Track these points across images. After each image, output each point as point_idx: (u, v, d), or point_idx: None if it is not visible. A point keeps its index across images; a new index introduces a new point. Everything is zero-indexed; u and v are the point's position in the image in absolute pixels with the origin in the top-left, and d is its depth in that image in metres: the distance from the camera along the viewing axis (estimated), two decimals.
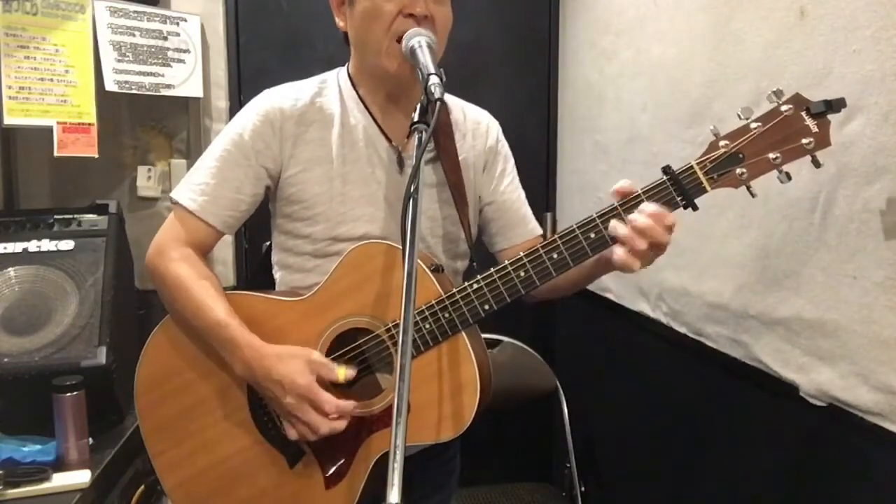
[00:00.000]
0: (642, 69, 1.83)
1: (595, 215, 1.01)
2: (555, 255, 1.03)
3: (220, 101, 2.26)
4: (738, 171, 0.97)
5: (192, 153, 2.21)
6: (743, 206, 1.37)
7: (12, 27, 1.78)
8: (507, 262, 1.04)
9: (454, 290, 1.06)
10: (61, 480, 1.34)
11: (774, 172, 0.97)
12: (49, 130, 1.82)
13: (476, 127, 1.29)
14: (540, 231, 1.32)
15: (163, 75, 2.06)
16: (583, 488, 2.24)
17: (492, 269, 1.05)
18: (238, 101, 2.28)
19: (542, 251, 1.03)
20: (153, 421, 1.19)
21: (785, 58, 1.25)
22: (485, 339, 1.14)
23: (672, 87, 1.67)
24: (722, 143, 0.97)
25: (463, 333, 1.06)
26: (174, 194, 1.17)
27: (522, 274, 1.04)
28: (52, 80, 1.83)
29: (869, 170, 1.07)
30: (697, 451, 1.64)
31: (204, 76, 2.15)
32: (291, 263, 1.22)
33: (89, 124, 1.87)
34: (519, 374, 1.96)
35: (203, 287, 1.12)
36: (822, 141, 0.94)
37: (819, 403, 1.21)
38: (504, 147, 1.33)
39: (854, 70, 1.09)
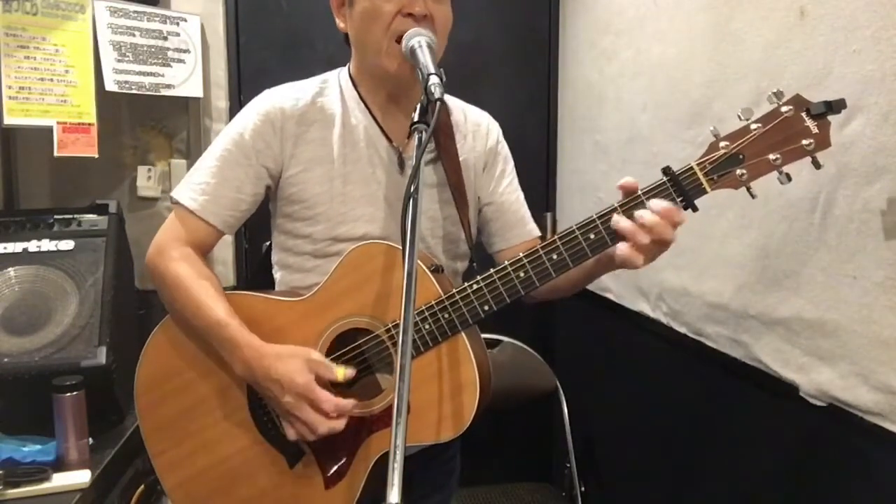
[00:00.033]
0: (642, 69, 1.83)
1: (595, 216, 1.01)
2: (554, 256, 1.03)
3: (220, 101, 2.26)
4: (738, 172, 0.97)
5: (192, 153, 2.21)
6: (743, 206, 1.37)
7: (12, 27, 1.78)
8: (506, 262, 1.04)
9: (454, 290, 1.06)
10: (61, 480, 1.34)
11: (774, 174, 0.97)
12: (49, 130, 1.82)
13: (476, 128, 1.29)
14: (538, 233, 1.32)
15: (163, 75, 2.06)
16: (583, 488, 2.24)
17: (491, 270, 1.05)
18: (238, 101, 2.28)
19: (541, 252, 1.03)
20: (153, 421, 1.19)
21: (785, 58, 1.25)
22: (485, 339, 1.14)
23: (672, 87, 1.67)
24: (722, 143, 0.97)
25: (462, 334, 1.06)
26: (174, 194, 1.17)
27: (522, 275, 1.04)
28: (52, 80, 1.83)
29: (869, 170, 1.07)
30: (697, 451, 1.64)
31: (204, 76, 2.15)
32: (291, 263, 1.22)
33: (89, 124, 1.87)
34: (519, 374, 1.96)
35: (203, 287, 1.12)
36: (823, 142, 0.94)
37: (819, 403, 1.21)
38: (504, 148, 1.33)
39: (854, 70, 1.09)
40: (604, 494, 2.21)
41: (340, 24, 1.20)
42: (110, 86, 1.94)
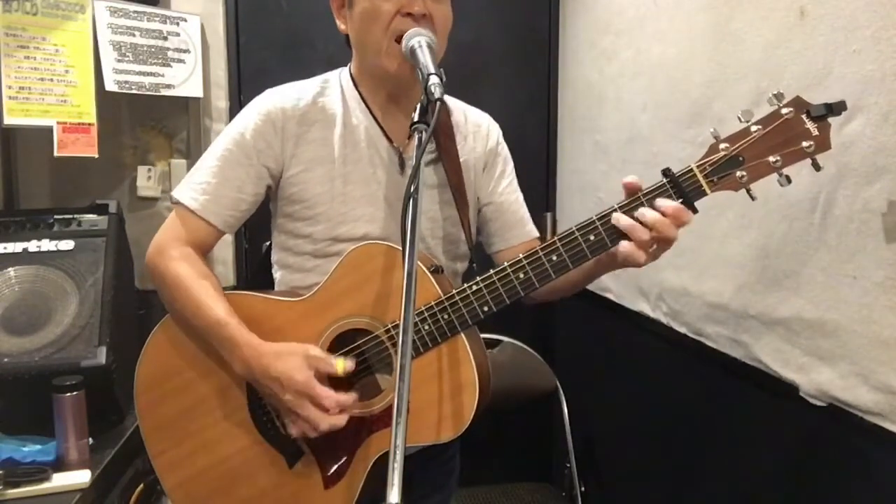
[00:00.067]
0: (642, 69, 1.83)
1: (595, 217, 1.01)
2: (554, 258, 1.03)
3: (220, 101, 2.26)
4: (738, 174, 0.97)
5: (192, 153, 2.21)
6: (743, 206, 1.37)
7: (12, 27, 1.78)
8: (506, 263, 1.04)
9: (453, 291, 1.06)
10: (61, 480, 1.34)
11: (774, 176, 0.97)
12: (49, 130, 1.82)
13: (477, 129, 1.30)
14: (537, 234, 1.32)
15: (163, 75, 2.06)
16: (583, 488, 2.24)
17: (491, 271, 1.05)
18: (238, 101, 2.28)
19: (541, 253, 1.03)
20: (153, 420, 1.19)
21: (785, 58, 1.25)
22: (485, 339, 1.14)
23: (672, 87, 1.67)
24: (722, 145, 0.97)
25: (462, 334, 1.06)
26: (175, 193, 1.18)
27: (522, 276, 1.04)
28: (52, 80, 1.83)
29: (869, 170, 1.07)
30: (697, 451, 1.64)
31: (204, 76, 2.15)
32: (291, 263, 1.22)
33: (89, 124, 1.87)
34: (519, 374, 1.96)
35: (203, 286, 1.12)
36: (823, 144, 0.94)
37: (819, 403, 1.21)
38: (504, 149, 1.33)
39: (854, 70, 1.09)
40: (604, 494, 2.21)
41: (341, 25, 1.20)
42: (110, 86, 1.94)
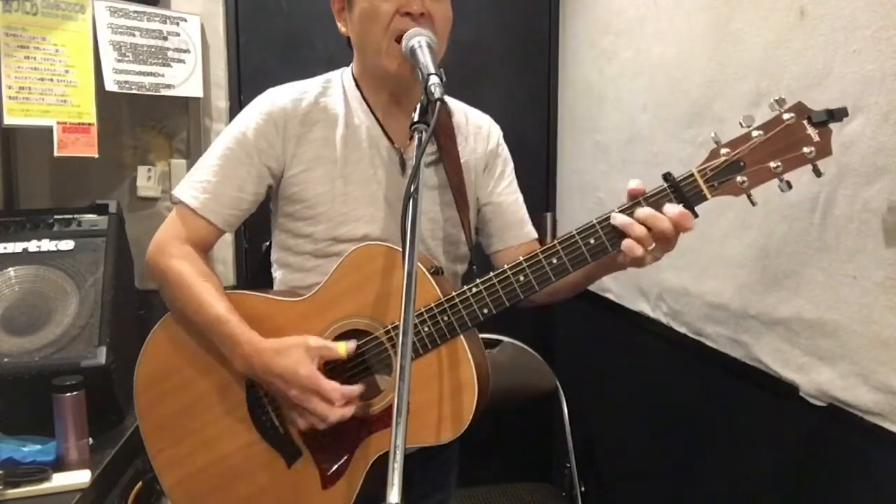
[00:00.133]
0: (642, 69, 1.83)
1: (595, 221, 1.01)
2: (554, 261, 1.03)
3: (220, 101, 2.26)
4: (739, 179, 0.96)
5: (192, 153, 2.21)
6: (743, 206, 1.36)
7: (12, 27, 1.78)
8: (506, 266, 1.04)
9: (453, 293, 1.06)
10: (61, 480, 1.33)
11: (775, 181, 0.96)
12: (49, 130, 1.82)
13: (478, 131, 1.30)
14: (535, 235, 1.32)
15: (163, 75, 2.06)
16: (583, 488, 2.24)
17: (491, 274, 1.05)
18: (238, 101, 2.28)
19: (541, 256, 1.03)
20: (153, 419, 1.19)
21: (785, 58, 1.25)
22: (485, 339, 1.14)
23: (672, 87, 1.67)
24: (723, 150, 0.97)
25: (461, 336, 1.06)
26: (176, 191, 1.18)
27: (522, 279, 1.04)
28: (52, 80, 1.83)
29: (869, 170, 1.07)
30: (697, 451, 1.64)
31: (204, 76, 2.15)
32: (291, 262, 1.22)
33: (89, 124, 1.87)
34: (519, 374, 1.96)
35: (203, 284, 1.12)
36: (824, 150, 0.94)
37: (819, 403, 1.21)
38: (504, 151, 1.33)
39: (854, 70, 1.09)
40: (604, 494, 2.21)
41: (342, 27, 1.20)
42: (110, 86, 1.94)
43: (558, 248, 1.02)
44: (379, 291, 1.09)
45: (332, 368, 1.09)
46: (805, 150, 0.94)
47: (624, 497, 2.08)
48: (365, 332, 1.10)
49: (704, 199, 0.98)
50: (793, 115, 0.94)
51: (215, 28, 2.22)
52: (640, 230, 0.97)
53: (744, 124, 0.96)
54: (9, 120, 1.78)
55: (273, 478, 1.14)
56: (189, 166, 1.89)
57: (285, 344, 1.06)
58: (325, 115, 1.19)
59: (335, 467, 1.11)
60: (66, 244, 1.67)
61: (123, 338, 1.64)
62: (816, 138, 0.93)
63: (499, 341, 1.83)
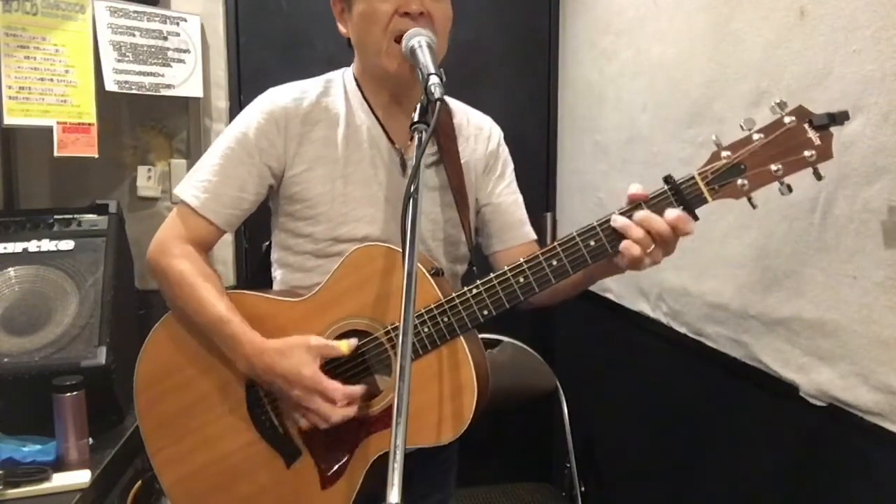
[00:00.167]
0: (642, 69, 1.83)
1: (595, 223, 1.01)
2: (554, 262, 1.03)
3: (220, 101, 2.26)
4: (740, 182, 0.96)
5: (192, 153, 2.21)
6: (743, 207, 1.36)
7: (12, 27, 1.78)
8: (506, 268, 1.04)
9: (453, 294, 1.06)
10: (61, 480, 1.33)
11: (776, 184, 0.96)
12: (49, 130, 1.82)
13: (479, 132, 1.30)
14: (534, 236, 1.32)
15: (163, 75, 2.06)
16: (583, 488, 2.24)
17: (491, 275, 1.05)
18: (238, 101, 2.28)
19: (541, 258, 1.03)
20: (152, 417, 1.19)
21: (785, 58, 1.25)
22: (485, 338, 1.14)
23: (672, 87, 1.67)
24: (724, 153, 0.97)
25: (461, 337, 1.06)
26: (177, 191, 1.18)
27: (522, 280, 1.04)
28: (52, 80, 1.83)
29: (869, 170, 1.07)
30: (697, 451, 1.64)
31: (204, 76, 2.15)
32: (292, 262, 1.22)
33: (89, 124, 1.87)
34: (519, 374, 1.96)
35: (204, 284, 1.12)
36: (824, 153, 0.94)
37: (819, 403, 1.21)
38: (504, 152, 1.33)
39: (854, 70, 1.09)
40: (604, 494, 2.21)
41: (342, 29, 1.20)
42: (110, 86, 1.94)
43: (558, 249, 1.02)
44: (379, 292, 1.09)
45: (332, 369, 1.09)
46: (806, 153, 0.93)
47: (624, 497, 2.08)
48: (365, 333, 1.10)
49: (705, 201, 0.98)
50: (794, 118, 0.94)
51: (215, 28, 2.22)
52: (638, 232, 0.97)
53: (745, 127, 0.96)
54: (9, 120, 1.78)
55: (272, 477, 1.14)
56: (189, 166, 1.89)
57: (287, 344, 1.06)
58: (327, 114, 1.19)
59: (334, 467, 1.11)
60: (66, 244, 1.67)
61: (123, 338, 1.64)
62: (817, 142, 0.93)
63: (499, 341, 1.83)
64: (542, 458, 2.69)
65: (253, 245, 2.32)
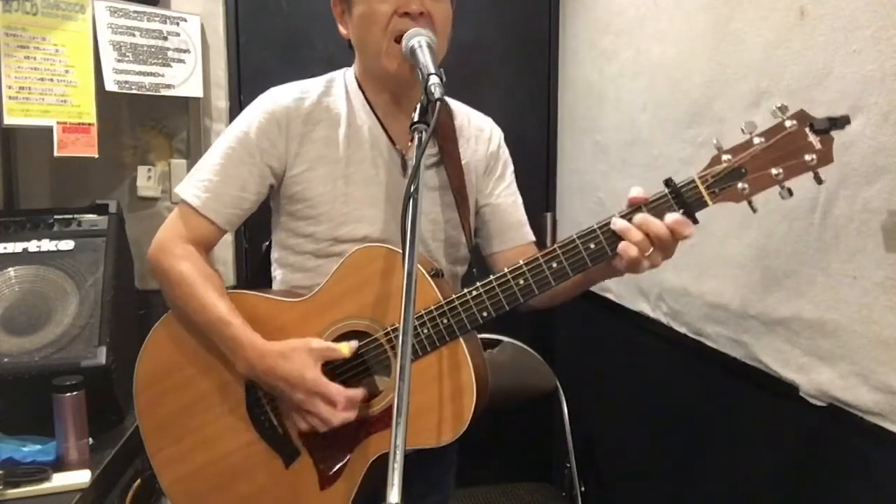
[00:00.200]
0: (642, 69, 1.83)
1: (596, 226, 1.01)
2: (554, 265, 1.03)
3: (220, 101, 2.26)
4: (740, 186, 0.96)
5: (192, 153, 2.21)
6: (743, 206, 1.37)
7: (12, 27, 1.78)
8: (506, 269, 1.04)
9: (453, 296, 1.06)
10: (61, 480, 1.33)
11: (776, 188, 0.96)
12: (49, 130, 1.82)
13: (479, 133, 1.30)
14: (533, 238, 1.32)
15: (163, 75, 2.06)
16: (583, 488, 2.24)
17: (491, 277, 1.05)
18: (238, 101, 2.28)
19: (541, 260, 1.03)
20: (152, 417, 1.19)
21: (785, 58, 1.25)
22: (485, 339, 1.14)
23: (672, 87, 1.67)
24: (724, 157, 0.97)
25: (460, 338, 1.06)
26: (178, 190, 1.18)
27: (521, 282, 1.04)
28: (52, 80, 1.83)
29: (869, 170, 1.07)
30: (697, 451, 1.64)
31: (204, 76, 2.15)
32: (292, 262, 1.22)
33: (89, 124, 1.87)
34: (519, 374, 1.96)
35: (205, 284, 1.12)
36: (825, 158, 0.94)
37: (819, 403, 1.21)
38: (505, 153, 1.33)
39: (854, 70, 1.09)
40: (604, 494, 2.21)
41: (343, 30, 1.20)
42: (110, 86, 1.94)
43: (558, 252, 1.02)
44: (379, 293, 1.09)
45: (331, 370, 1.09)
46: (806, 157, 0.93)
47: (624, 497, 2.08)
48: (364, 334, 1.10)
49: (705, 205, 0.98)
50: (795, 122, 0.94)
51: (215, 28, 2.22)
52: (637, 235, 0.97)
53: (745, 131, 0.96)
54: (9, 120, 1.78)
55: (271, 477, 1.14)
56: (189, 166, 1.89)
57: (289, 346, 1.07)
58: (328, 114, 1.19)
59: (333, 468, 1.11)
60: (66, 244, 1.67)
61: (123, 338, 1.64)
62: (818, 146, 0.93)
63: (499, 341, 1.83)
64: (542, 458, 2.69)
65: (253, 245, 2.33)
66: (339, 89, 1.22)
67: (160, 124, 2.20)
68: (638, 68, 1.86)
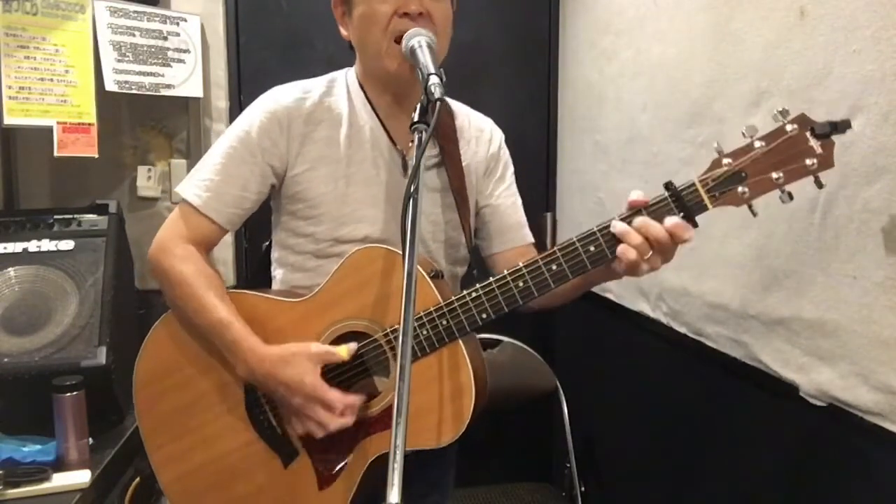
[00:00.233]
0: (642, 69, 1.83)
1: (595, 228, 1.01)
2: (554, 267, 1.03)
3: (220, 101, 2.26)
4: (741, 189, 0.96)
5: (192, 153, 2.21)
6: (743, 207, 1.37)
7: (12, 27, 1.78)
8: (506, 271, 1.04)
9: (453, 298, 1.06)
10: (61, 480, 1.33)
11: (776, 192, 0.96)
12: (49, 130, 1.82)
13: (480, 133, 1.30)
14: (532, 239, 1.32)
15: (163, 75, 2.06)
16: (583, 488, 2.24)
17: (490, 279, 1.05)
18: (238, 101, 2.28)
19: (541, 262, 1.03)
20: (151, 415, 1.20)
21: (785, 58, 1.25)
22: (485, 339, 1.14)
23: (672, 87, 1.67)
24: (725, 160, 0.97)
25: (459, 339, 1.06)
26: (178, 189, 1.18)
27: (521, 284, 1.04)
28: (52, 80, 1.83)
29: (869, 170, 1.07)
30: (697, 451, 1.64)
31: (204, 76, 2.15)
32: (292, 262, 1.22)
33: (89, 124, 1.87)
34: (519, 374, 1.96)
35: (206, 285, 1.12)
36: (826, 162, 0.93)
37: (819, 403, 1.21)
38: (505, 154, 1.33)
39: (854, 70, 1.09)
40: (604, 494, 2.21)
41: (344, 32, 1.20)
42: (110, 86, 1.94)
43: (558, 254, 1.02)
44: (378, 294, 1.09)
45: (330, 370, 1.09)
46: (807, 161, 0.93)
47: (624, 497, 2.08)
48: (364, 335, 1.10)
49: (705, 209, 0.98)
50: (795, 126, 0.94)
51: (215, 28, 2.22)
52: (636, 238, 0.97)
53: (746, 135, 0.96)
54: (9, 120, 1.78)
55: (270, 477, 1.14)
56: (189, 166, 1.89)
57: (288, 351, 1.07)
58: (330, 114, 1.19)
59: (332, 468, 1.11)
60: (66, 244, 1.67)
61: (123, 338, 1.64)
62: (819, 150, 0.93)
63: (499, 341, 1.83)
64: (542, 458, 2.69)
65: (253, 245, 2.33)
66: (340, 89, 1.22)
67: (160, 124, 2.20)
68: (638, 68, 1.86)
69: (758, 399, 1.39)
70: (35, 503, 1.29)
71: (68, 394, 1.39)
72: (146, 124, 2.19)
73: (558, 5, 2.51)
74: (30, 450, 1.36)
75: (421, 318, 1.05)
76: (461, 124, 1.27)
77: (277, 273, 1.25)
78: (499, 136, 1.33)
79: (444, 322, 1.05)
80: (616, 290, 2.05)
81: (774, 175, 0.95)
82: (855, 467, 1.15)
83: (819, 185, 0.95)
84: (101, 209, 1.77)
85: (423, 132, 0.97)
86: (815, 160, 0.93)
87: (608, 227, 1.00)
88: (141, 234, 1.93)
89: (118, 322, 1.62)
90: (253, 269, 2.13)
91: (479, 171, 1.28)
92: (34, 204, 2.08)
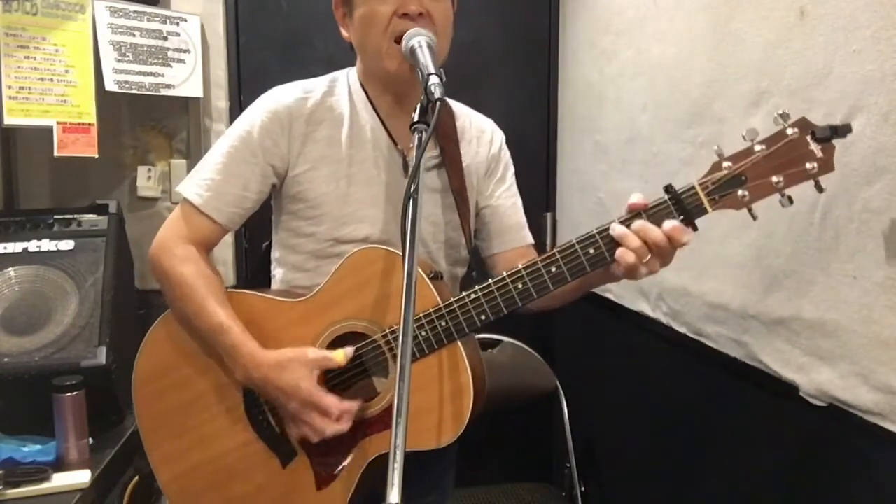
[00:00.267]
0: (642, 69, 1.83)
1: (595, 231, 1.01)
2: (553, 269, 1.02)
3: (220, 101, 2.26)
4: (741, 193, 0.96)
5: (192, 153, 2.21)
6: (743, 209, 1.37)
7: (12, 27, 1.78)
8: (505, 273, 1.04)
9: (452, 299, 1.06)
10: (61, 480, 1.33)
11: (776, 195, 0.96)
12: (49, 130, 1.82)
13: (481, 134, 1.30)
14: (531, 240, 1.32)
15: (163, 75, 2.06)
16: (583, 488, 2.24)
17: (490, 281, 1.05)
18: (238, 101, 2.28)
19: (540, 264, 1.03)
20: (150, 414, 1.20)
21: (785, 58, 1.25)
22: (485, 339, 1.14)
23: (672, 87, 1.67)
24: (725, 164, 0.97)
25: (458, 340, 1.06)
26: (179, 188, 1.18)
27: (520, 286, 1.03)
28: (52, 80, 1.83)
29: (869, 170, 1.07)
30: (697, 451, 1.64)
31: (204, 76, 2.15)
32: (293, 262, 1.22)
33: (89, 124, 1.87)
34: (519, 374, 1.96)
35: (205, 288, 1.12)
36: (826, 166, 0.93)
37: (819, 403, 1.21)
38: (506, 155, 1.33)
39: (854, 70, 1.09)
40: (604, 494, 2.21)
41: (345, 33, 1.20)
42: (110, 86, 1.94)
43: (557, 256, 1.02)
44: (378, 294, 1.09)
45: (329, 372, 1.09)
46: (808, 165, 0.93)
47: (624, 497, 2.08)
48: (363, 335, 1.10)
49: (705, 212, 0.98)
50: (796, 130, 0.94)
51: (215, 28, 2.22)
52: (635, 241, 0.97)
53: (747, 138, 0.96)
54: (9, 120, 1.78)
55: (268, 477, 1.14)
56: (189, 166, 1.89)
57: (285, 357, 1.07)
58: (331, 114, 1.19)
59: (330, 469, 1.11)
60: (66, 244, 1.67)
61: (123, 338, 1.64)
62: (819, 154, 0.93)
63: (499, 341, 1.83)
64: (542, 458, 2.69)
65: (253, 245, 2.32)
66: (342, 89, 1.22)
67: (160, 124, 2.20)
68: (638, 68, 1.86)
69: (758, 399, 1.39)
70: (35, 503, 1.29)
71: (68, 394, 1.39)
72: (146, 124, 2.19)
73: (558, 5, 2.51)
74: (30, 450, 1.36)
75: (420, 319, 1.05)
76: (462, 125, 1.27)
77: (277, 273, 1.25)
78: (500, 136, 1.33)
79: (444, 323, 1.05)
80: (616, 290, 2.05)
81: (774, 179, 0.95)
82: (855, 467, 1.15)
83: (819, 188, 0.95)
84: (101, 209, 1.77)
85: (423, 132, 0.97)
86: (815, 164, 0.93)
87: (607, 229, 1.00)
88: (141, 234, 1.93)
89: (118, 322, 1.62)
90: (253, 269, 2.13)
91: (479, 172, 1.28)
92: (34, 204, 2.08)
